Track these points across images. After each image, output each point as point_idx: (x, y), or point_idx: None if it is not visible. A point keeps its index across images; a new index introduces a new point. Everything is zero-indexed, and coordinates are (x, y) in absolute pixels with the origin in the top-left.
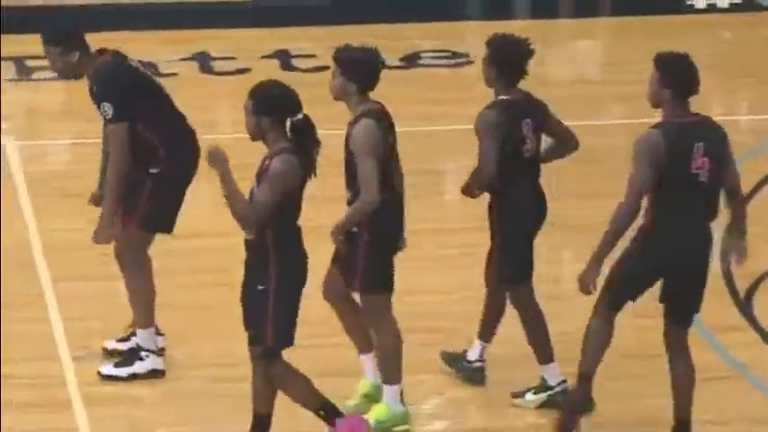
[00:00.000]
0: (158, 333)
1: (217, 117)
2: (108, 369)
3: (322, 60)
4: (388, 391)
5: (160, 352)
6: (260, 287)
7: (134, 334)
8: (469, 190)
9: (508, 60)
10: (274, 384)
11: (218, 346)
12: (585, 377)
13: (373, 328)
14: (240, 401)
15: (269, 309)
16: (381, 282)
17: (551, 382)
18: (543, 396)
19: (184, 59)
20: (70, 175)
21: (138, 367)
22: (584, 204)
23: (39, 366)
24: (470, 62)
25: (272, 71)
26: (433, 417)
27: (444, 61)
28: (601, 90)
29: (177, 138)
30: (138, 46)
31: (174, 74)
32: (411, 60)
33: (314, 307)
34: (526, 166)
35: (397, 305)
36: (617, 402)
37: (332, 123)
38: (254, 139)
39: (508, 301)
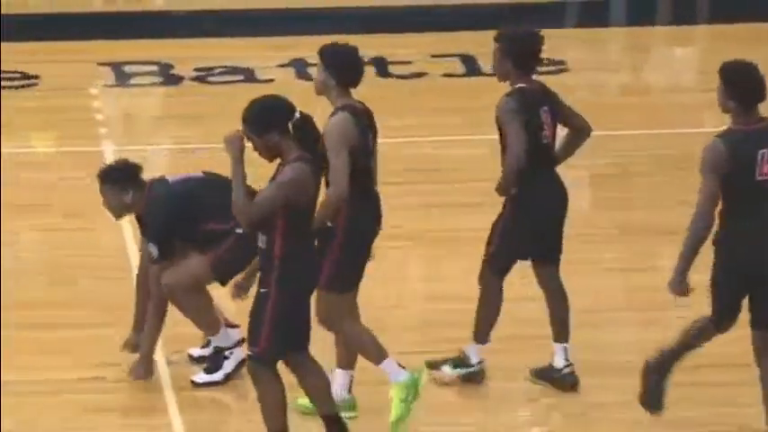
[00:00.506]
0: (231, 326)
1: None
2: (200, 377)
3: (418, 67)
4: (342, 376)
5: (240, 343)
6: (262, 290)
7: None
8: (503, 187)
9: (523, 51)
10: (253, 383)
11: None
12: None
13: (328, 326)
14: None
15: (266, 313)
16: (346, 283)
17: (473, 360)
18: (461, 371)
19: (281, 66)
20: None
21: (228, 366)
22: (685, 211)
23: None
24: (567, 70)
25: (369, 77)
26: (529, 423)
27: (542, 68)
28: (698, 98)
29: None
30: (236, 52)
31: (271, 80)
32: None
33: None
34: (545, 152)
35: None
36: (708, 408)
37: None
38: (272, 159)
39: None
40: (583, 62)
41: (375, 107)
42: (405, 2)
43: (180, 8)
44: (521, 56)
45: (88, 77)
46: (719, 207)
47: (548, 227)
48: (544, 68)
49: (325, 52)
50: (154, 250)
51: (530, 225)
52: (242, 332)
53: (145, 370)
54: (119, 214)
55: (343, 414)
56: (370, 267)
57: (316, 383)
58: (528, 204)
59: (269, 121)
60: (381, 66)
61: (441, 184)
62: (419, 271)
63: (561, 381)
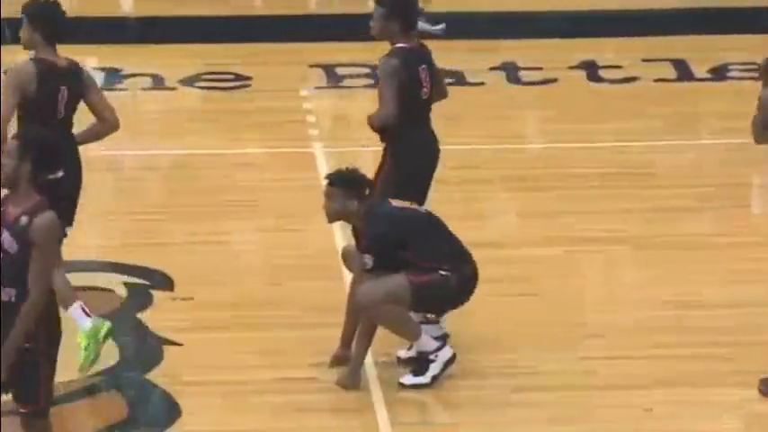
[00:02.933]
0: (431, 322)
1: (522, 127)
2: (408, 378)
3: (628, 71)
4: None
5: (444, 338)
6: (27, 346)
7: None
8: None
9: (405, 10)
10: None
11: (524, 355)
12: None
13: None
14: (546, 411)
15: (39, 369)
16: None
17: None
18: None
19: (492, 69)
20: None
21: (434, 368)
22: None
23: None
24: None
25: (579, 82)
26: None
27: (753, 74)
28: None
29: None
30: (448, 54)
31: (482, 83)
32: (719, 73)
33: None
34: (423, 108)
35: (689, 320)
36: None
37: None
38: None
39: None
40: None
41: (585, 111)
42: (615, 5)
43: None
44: (402, 15)
45: (300, 79)
46: None
47: (421, 179)
48: (755, 74)
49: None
50: (369, 261)
51: (406, 177)
52: (443, 327)
53: (353, 382)
54: (334, 218)
55: None
56: (587, 269)
57: None
58: (406, 156)
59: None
60: (592, 70)
61: (656, 189)
62: (636, 275)
63: None
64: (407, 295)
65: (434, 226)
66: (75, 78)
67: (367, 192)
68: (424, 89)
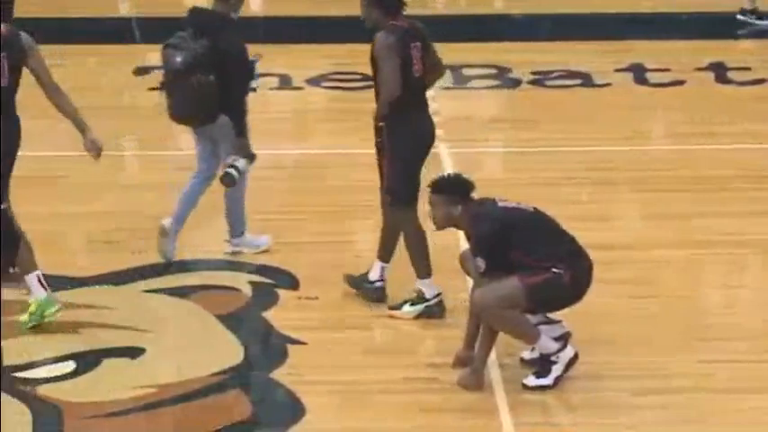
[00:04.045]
0: (552, 322)
1: (649, 129)
2: (531, 380)
3: (758, 73)
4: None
5: (566, 337)
6: None
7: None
8: (379, 115)
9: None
10: None
11: (645, 357)
12: None
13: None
14: (664, 414)
15: None
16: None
17: (427, 295)
18: (420, 307)
19: (619, 70)
20: (504, 183)
21: (557, 369)
22: None
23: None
24: None
25: (707, 84)
26: None
27: None
28: None
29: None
30: (573, 56)
31: (608, 84)
32: None
33: None
34: (417, 87)
35: None
36: None
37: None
38: None
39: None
40: None
41: (713, 113)
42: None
43: (518, 11)
44: (384, 2)
45: None
46: None
47: (414, 165)
48: None
49: None
50: (481, 264)
51: (404, 162)
52: (564, 326)
53: (476, 383)
54: (441, 226)
55: None
56: (711, 272)
57: None
58: (399, 141)
59: None
60: (721, 72)
61: None
62: (761, 278)
63: (371, 292)
64: (521, 298)
65: (542, 223)
66: (14, 45)
67: (471, 194)
68: (415, 67)
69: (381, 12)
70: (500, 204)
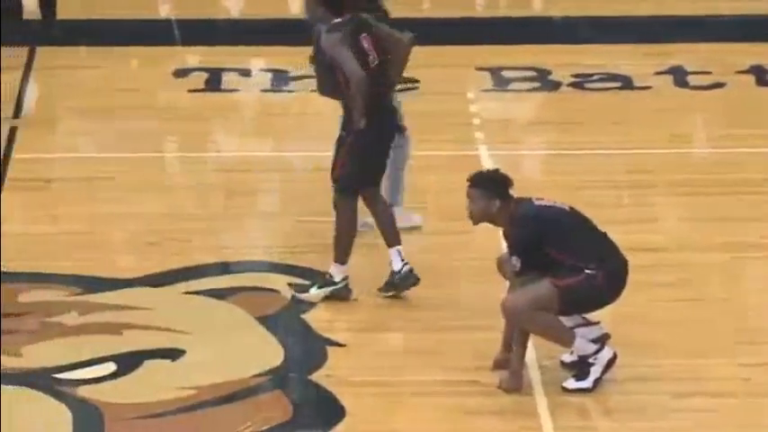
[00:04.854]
0: (589, 323)
1: (689, 131)
2: (571, 383)
3: None
4: None
5: (604, 339)
6: None
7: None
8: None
9: None
10: None
11: (684, 360)
12: None
13: None
14: (704, 418)
15: None
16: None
17: (336, 278)
18: (327, 290)
19: (659, 73)
20: (544, 185)
21: (595, 371)
22: None
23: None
24: None
25: (748, 86)
26: None
27: None
28: None
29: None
30: (613, 59)
31: (648, 87)
32: None
33: None
34: (378, 76)
35: None
36: None
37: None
38: None
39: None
40: None
41: (754, 116)
42: None
43: (558, 13)
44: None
45: (466, 82)
46: None
47: (378, 155)
48: None
49: None
50: (517, 263)
51: (365, 151)
52: (602, 327)
53: (515, 385)
54: (478, 220)
55: None
56: (753, 275)
57: None
58: (362, 132)
59: None
60: (761, 74)
61: None
62: None
63: (405, 280)
64: (554, 300)
65: (578, 223)
66: None
67: (510, 191)
68: (370, 57)
69: (325, 10)
70: (536, 203)
